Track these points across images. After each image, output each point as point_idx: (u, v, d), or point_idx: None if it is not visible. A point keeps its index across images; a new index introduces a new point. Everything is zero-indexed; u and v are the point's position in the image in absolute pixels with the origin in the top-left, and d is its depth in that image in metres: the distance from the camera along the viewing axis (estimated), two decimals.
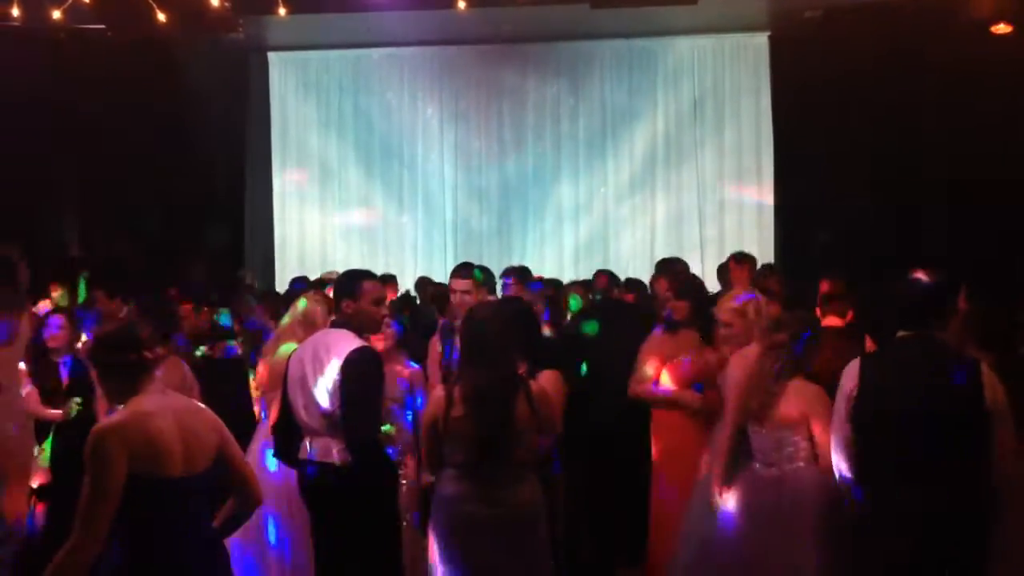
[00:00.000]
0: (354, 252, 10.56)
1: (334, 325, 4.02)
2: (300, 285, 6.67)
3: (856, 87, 8.67)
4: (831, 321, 4.92)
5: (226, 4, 8.25)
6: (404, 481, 4.28)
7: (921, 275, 3.45)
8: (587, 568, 5.06)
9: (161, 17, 8.16)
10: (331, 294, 4.68)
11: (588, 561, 5.09)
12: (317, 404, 3.82)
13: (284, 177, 10.76)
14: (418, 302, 7.80)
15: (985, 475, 3.22)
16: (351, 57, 10.70)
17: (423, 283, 8.31)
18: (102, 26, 8.93)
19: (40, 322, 5.28)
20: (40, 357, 5.08)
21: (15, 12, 7.92)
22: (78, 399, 4.92)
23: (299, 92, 10.76)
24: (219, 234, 10.01)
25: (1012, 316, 4.28)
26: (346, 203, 10.76)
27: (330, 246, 10.73)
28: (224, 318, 5.64)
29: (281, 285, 9.44)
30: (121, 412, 2.81)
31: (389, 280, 7.18)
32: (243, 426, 4.35)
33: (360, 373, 3.73)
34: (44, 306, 6.18)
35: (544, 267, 9.99)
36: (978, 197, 8.04)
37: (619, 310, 5.77)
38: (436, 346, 5.26)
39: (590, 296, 6.75)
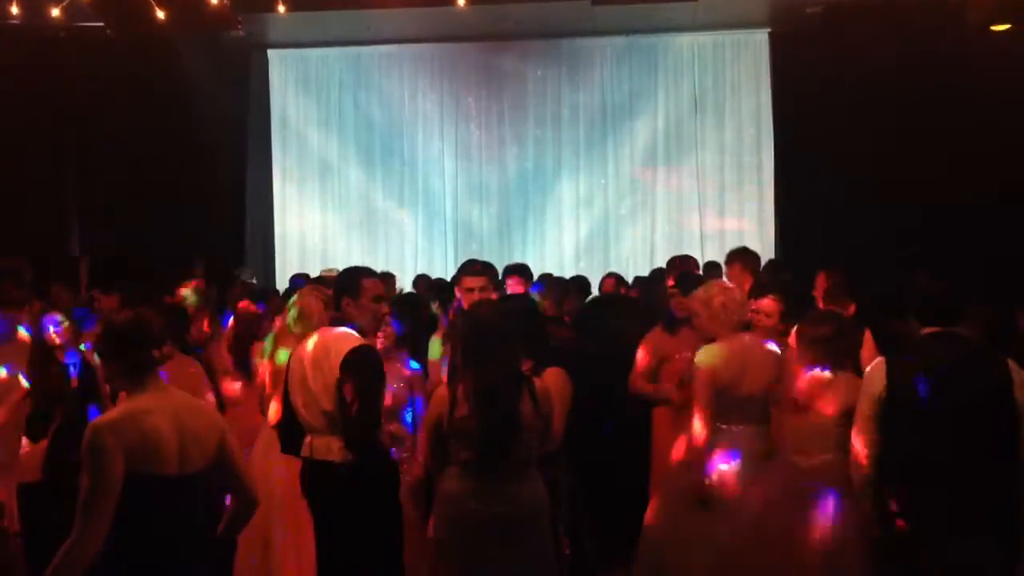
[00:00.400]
0: (354, 249, 10.54)
1: (334, 323, 4.01)
2: (300, 282, 6.66)
3: (857, 83, 8.66)
4: None
5: (225, 1, 8.25)
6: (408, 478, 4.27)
7: (938, 273, 3.45)
8: (589, 566, 5.06)
9: (160, 15, 8.15)
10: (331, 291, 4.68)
11: (590, 559, 5.08)
12: (317, 402, 3.82)
13: (284, 174, 10.75)
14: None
15: (1015, 472, 3.22)
16: (351, 54, 10.68)
17: (422, 281, 8.30)
18: (101, 24, 8.93)
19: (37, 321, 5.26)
20: (45, 357, 5.06)
21: (14, 10, 7.92)
22: None
23: (299, 89, 10.75)
24: (218, 231, 10.00)
25: (1011, 310, 4.28)
26: (346, 200, 10.75)
27: (330, 243, 10.72)
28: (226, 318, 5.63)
29: (281, 282, 9.44)
30: (118, 408, 2.82)
31: (388, 278, 7.17)
32: None
33: (360, 372, 3.72)
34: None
35: (544, 264, 9.98)
36: (979, 195, 8.03)
37: (624, 305, 5.76)
38: (436, 344, 5.25)
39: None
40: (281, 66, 10.73)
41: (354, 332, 3.87)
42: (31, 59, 8.94)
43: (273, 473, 4.41)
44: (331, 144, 10.73)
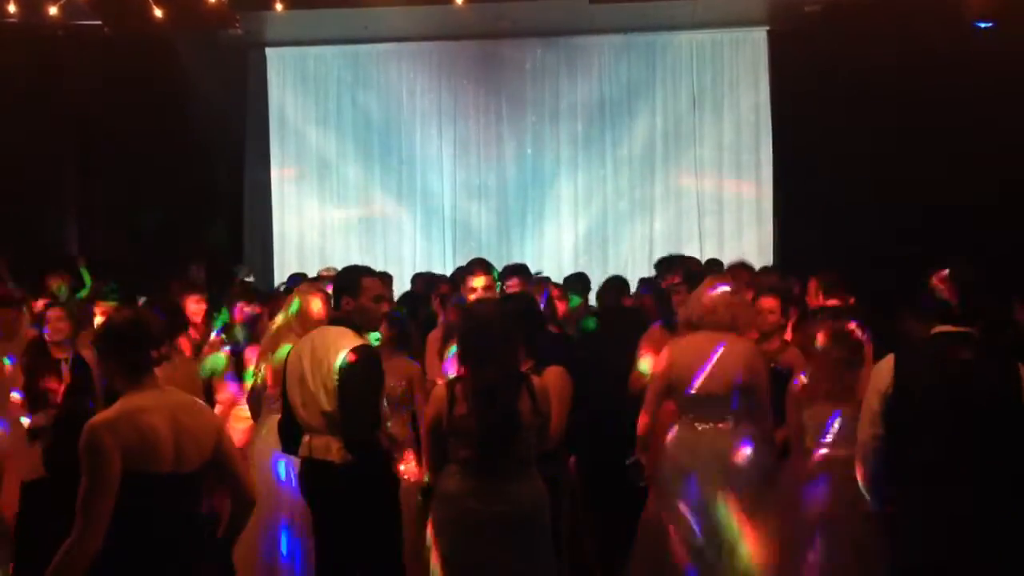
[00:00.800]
0: (353, 248, 10.54)
1: (333, 322, 4.01)
2: (298, 281, 6.66)
3: (855, 81, 8.65)
4: None
5: (223, 0, 8.24)
6: (406, 476, 4.26)
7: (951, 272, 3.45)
8: (588, 564, 5.06)
9: (158, 13, 8.15)
10: (329, 290, 4.67)
11: (590, 558, 5.09)
12: (316, 402, 3.82)
13: (282, 173, 10.74)
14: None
15: (1019, 477, 3.20)
16: (349, 52, 10.67)
17: (420, 279, 8.29)
18: (99, 22, 8.92)
19: (39, 318, 5.26)
20: (41, 354, 5.05)
21: (11, 8, 7.92)
22: None
23: (297, 87, 10.73)
24: (217, 230, 9.99)
25: (1004, 301, 4.28)
26: (344, 199, 10.74)
27: (328, 242, 10.71)
28: (225, 316, 5.60)
29: (279, 281, 9.42)
30: (115, 407, 2.82)
31: (385, 278, 7.15)
32: None
33: (359, 371, 3.72)
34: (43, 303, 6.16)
35: (543, 262, 9.97)
36: (979, 193, 8.02)
37: (620, 313, 5.77)
38: (434, 342, 5.25)
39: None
40: (279, 64, 10.72)
41: (353, 331, 3.87)
42: (29, 57, 8.93)
43: (275, 473, 4.41)
44: (329, 142, 10.72)
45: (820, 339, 4.11)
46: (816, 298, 5.23)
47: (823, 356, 4.08)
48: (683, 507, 4.06)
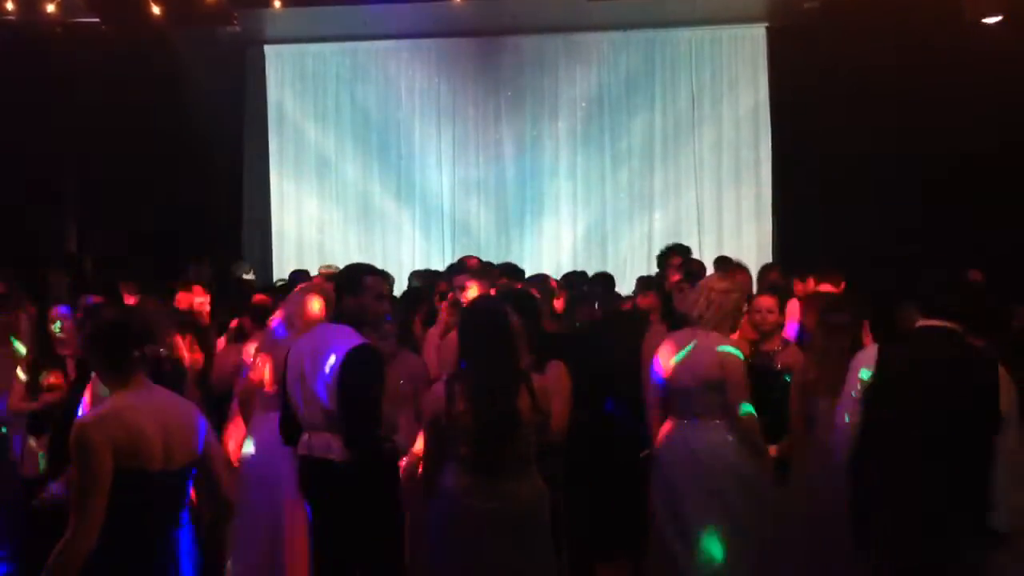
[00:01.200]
0: (351, 245, 10.53)
1: (335, 320, 4.01)
2: (299, 278, 6.66)
3: (854, 78, 8.64)
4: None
5: None
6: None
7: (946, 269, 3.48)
8: (588, 561, 5.07)
9: (156, 10, 8.14)
10: (328, 287, 4.67)
11: (589, 554, 5.10)
12: (317, 400, 3.81)
13: (281, 170, 10.72)
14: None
15: (985, 477, 3.23)
16: (348, 50, 10.64)
17: (416, 276, 8.30)
18: (97, 20, 8.90)
19: (41, 315, 5.26)
20: (46, 350, 5.06)
21: (9, 6, 7.90)
22: None
23: (296, 85, 10.72)
24: (217, 227, 9.98)
25: (1003, 299, 4.29)
26: (343, 196, 10.72)
27: (327, 239, 10.70)
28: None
29: (278, 277, 9.42)
30: (103, 405, 2.84)
31: (385, 277, 7.14)
32: None
33: (360, 370, 3.72)
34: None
35: (542, 260, 10.00)
36: (979, 190, 8.03)
37: (620, 315, 5.79)
38: (434, 339, 5.25)
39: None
40: (277, 62, 10.69)
41: (354, 330, 3.87)
42: (27, 55, 8.91)
43: (278, 471, 4.41)
44: (328, 140, 10.71)
45: (814, 335, 4.13)
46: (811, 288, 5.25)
47: (822, 351, 4.11)
48: (668, 502, 4.10)
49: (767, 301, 4.80)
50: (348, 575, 3.86)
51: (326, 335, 3.91)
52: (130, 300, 6.32)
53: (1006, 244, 7.46)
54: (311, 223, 10.75)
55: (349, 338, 3.79)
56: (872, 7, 8.38)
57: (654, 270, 7.22)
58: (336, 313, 4.03)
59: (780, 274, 6.66)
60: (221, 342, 5.70)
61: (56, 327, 5.05)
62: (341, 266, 4.89)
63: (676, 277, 5.38)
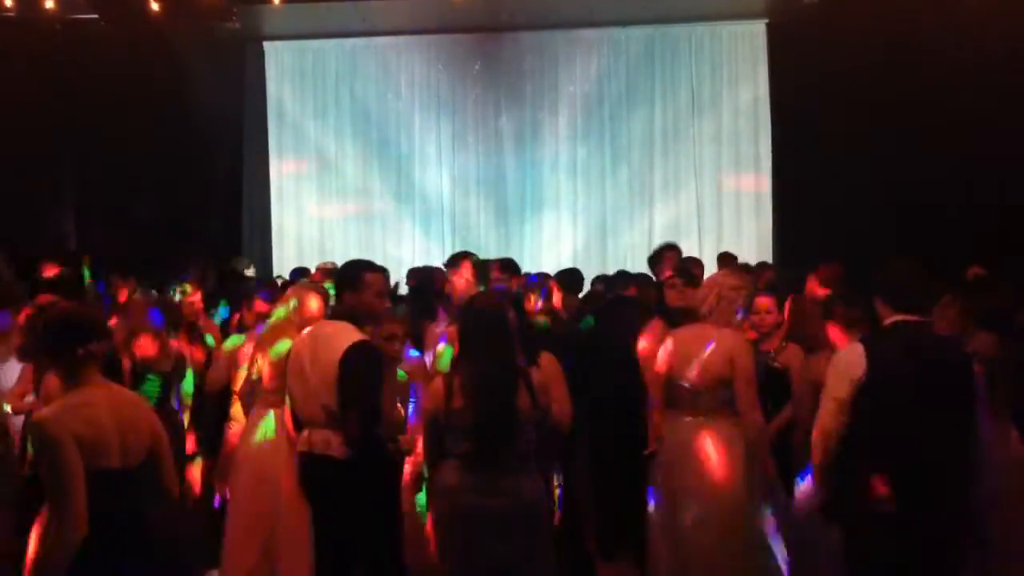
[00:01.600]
0: (351, 242, 10.53)
1: (335, 316, 4.01)
2: (300, 275, 6.66)
3: (855, 74, 8.62)
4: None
5: None
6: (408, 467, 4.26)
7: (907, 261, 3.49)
8: (589, 558, 5.07)
9: (155, 7, 8.14)
10: (327, 284, 4.67)
11: (590, 551, 5.10)
12: (316, 396, 3.82)
13: (281, 167, 10.72)
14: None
15: (975, 464, 3.31)
16: (347, 46, 10.64)
17: (415, 273, 8.29)
18: (96, 16, 8.90)
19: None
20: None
21: (8, 3, 7.90)
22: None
23: (295, 82, 10.71)
24: (216, 224, 9.98)
25: (1011, 294, 4.29)
26: (343, 193, 10.72)
27: (327, 235, 10.70)
28: (223, 310, 5.61)
29: (277, 274, 9.41)
30: (59, 402, 2.81)
31: (385, 273, 7.15)
32: None
33: (359, 367, 3.72)
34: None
35: (542, 257, 10.00)
36: (978, 187, 8.02)
37: (620, 304, 5.76)
38: (435, 337, 5.25)
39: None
40: (277, 58, 10.69)
41: (354, 326, 3.87)
42: (27, 51, 8.91)
43: (277, 468, 4.40)
44: (327, 136, 10.70)
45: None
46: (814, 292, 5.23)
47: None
48: (670, 500, 4.08)
49: (765, 301, 4.79)
50: (348, 571, 3.87)
51: (326, 332, 3.91)
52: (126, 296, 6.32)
53: (1006, 241, 7.45)
54: (311, 219, 10.75)
55: (348, 335, 3.79)
56: (871, 2, 8.37)
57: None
58: (336, 310, 4.03)
59: (776, 273, 6.66)
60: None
61: None
62: (340, 262, 4.88)
63: (668, 272, 5.37)
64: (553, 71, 10.43)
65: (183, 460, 4.92)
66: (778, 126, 9.88)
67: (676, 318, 4.87)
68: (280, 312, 4.69)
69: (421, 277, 7.14)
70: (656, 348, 4.83)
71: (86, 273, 7.81)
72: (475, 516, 3.47)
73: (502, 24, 10.10)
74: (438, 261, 9.44)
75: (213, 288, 6.52)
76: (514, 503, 3.47)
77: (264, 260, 10.32)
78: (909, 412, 3.28)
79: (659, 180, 10.38)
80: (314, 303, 4.56)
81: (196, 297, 5.68)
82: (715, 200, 10.27)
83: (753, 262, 7.86)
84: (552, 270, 7.29)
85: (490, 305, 3.67)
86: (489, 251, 9.28)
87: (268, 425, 4.48)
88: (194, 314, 5.52)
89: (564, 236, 10.46)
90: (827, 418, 3.40)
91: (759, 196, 10.15)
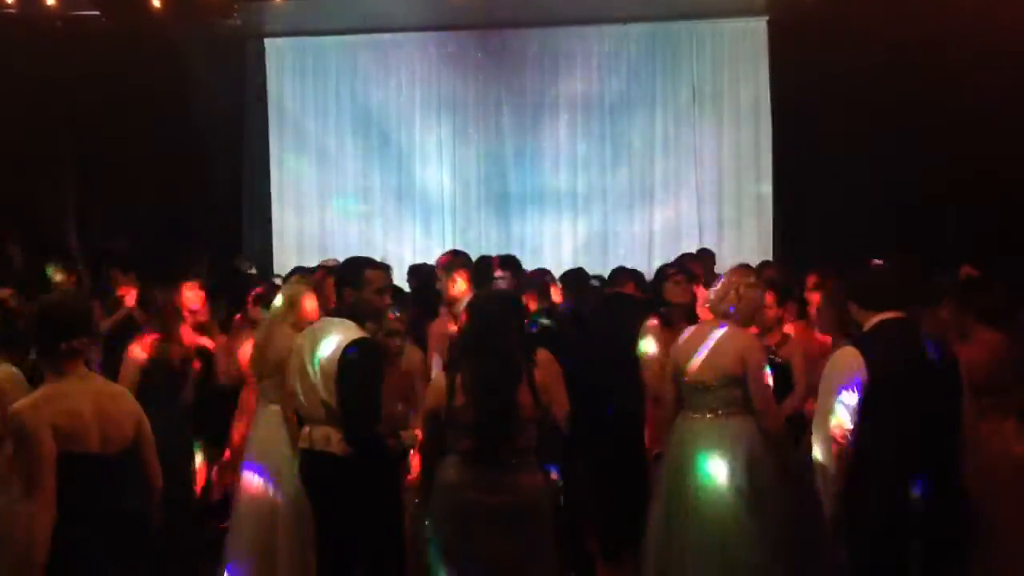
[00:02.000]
0: (352, 239, 10.51)
1: (335, 313, 4.01)
2: (294, 274, 6.64)
3: (856, 71, 8.60)
4: None
5: None
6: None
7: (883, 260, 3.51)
8: (590, 557, 5.08)
9: (156, 3, 8.13)
10: (328, 281, 4.67)
11: (591, 548, 5.11)
12: (316, 393, 3.83)
13: (282, 164, 10.71)
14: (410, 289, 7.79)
15: (965, 456, 3.35)
16: (348, 43, 10.61)
17: (415, 270, 8.29)
18: (97, 13, 8.89)
19: None
20: None
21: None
22: None
23: (296, 79, 10.69)
24: (216, 222, 9.97)
25: (1011, 291, 4.30)
26: (344, 190, 10.71)
27: (328, 233, 10.68)
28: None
29: (277, 272, 9.41)
30: (37, 392, 2.94)
31: (385, 269, 7.14)
32: None
33: (359, 364, 3.73)
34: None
35: (543, 255, 9.97)
36: (980, 185, 8.01)
37: (621, 301, 5.77)
38: (435, 334, 5.25)
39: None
40: (278, 55, 10.67)
41: (354, 324, 3.87)
42: (27, 47, 8.89)
43: (279, 465, 4.42)
44: (328, 133, 10.68)
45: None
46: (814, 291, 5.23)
47: None
48: (678, 498, 4.08)
49: (766, 297, 4.81)
50: (349, 567, 3.88)
51: (326, 329, 3.91)
52: (128, 293, 6.33)
53: (1007, 239, 7.45)
54: (311, 217, 10.73)
55: (349, 332, 3.80)
56: (873, 1, 8.36)
57: (655, 265, 7.19)
58: (336, 307, 4.04)
59: (776, 271, 6.66)
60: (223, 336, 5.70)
61: None
62: (341, 260, 4.88)
63: (672, 270, 5.38)
64: (554, 68, 10.41)
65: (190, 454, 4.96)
66: (779, 124, 9.86)
67: (675, 315, 4.89)
68: (273, 311, 4.71)
69: (422, 275, 7.15)
70: (657, 346, 4.84)
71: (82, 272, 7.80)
72: (475, 512, 3.48)
73: (503, 21, 10.09)
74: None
75: (214, 286, 6.51)
76: (514, 500, 3.49)
77: (265, 258, 10.32)
78: (909, 409, 3.29)
79: (660, 177, 10.36)
80: (308, 302, 4.57)
81: (199, 297, 5.69)
82: (716, 198, 10.26)
83: (754, 262, 7.85)
84: (552, 267, 7.29)
85: (493, 304, 3.68)
86: (490, 248, 9.28)
87: (271, 422, 4.50)
88: (199, 310, 5.54)
89: (565, 234, 10.44)
90: (828, 420, 3.38)
91: (760, 194, 10.13)
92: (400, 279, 7.58)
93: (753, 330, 4.53)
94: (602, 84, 10.38)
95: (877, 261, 3.54)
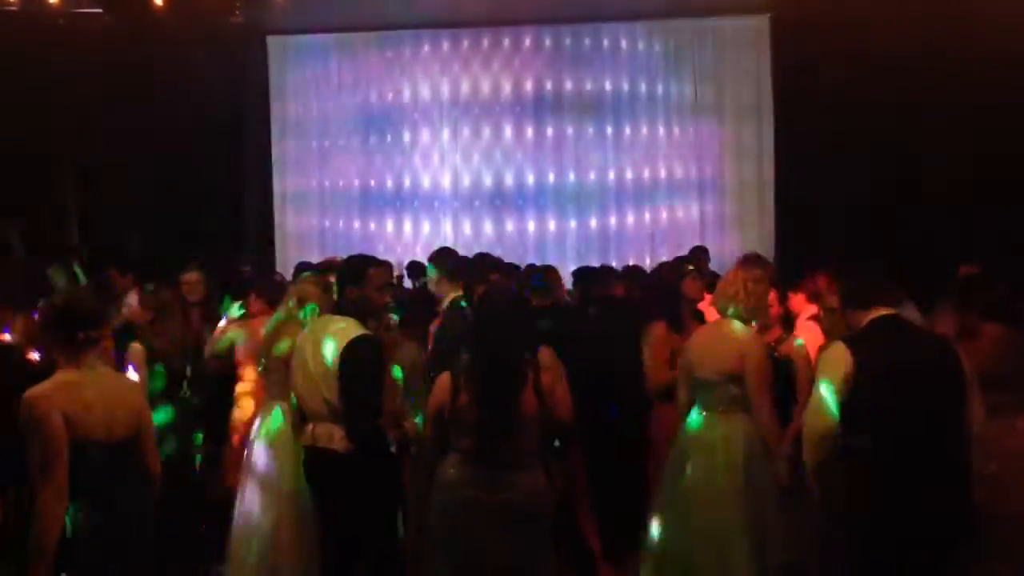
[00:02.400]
0: (354, 238, 10.53)
1: (337, 311, 4.02)
2: (302, 271, 6.64)
3: (858, 68, 8.60)
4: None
5: None
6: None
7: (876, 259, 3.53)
8: (590, 557, 5.08)
9: (158, 1, 8.13)
10: (332, 279, 4.67)
11: (592, 549, 5.11)
12: (319, 390, 3.84)
13: (283, 162, 10.72)
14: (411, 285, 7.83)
15: (963, 449, 3.34)
16: (350, 40, 10.62)
17: (416, 268, 8.32)
18: (99, 10, 8.90)
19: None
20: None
21: None
22: None
23: (297, 76, 10.70)
24: (217, 221, 9.97)
25: (1015, 287, 4.30)
26: (345, 189, 10.71)
27: (329, 232, 10.70)
28: (233, 309, 5.61)
29: (281, 272, 9.41)
30: (49, 380, 3.05)
31: (387, 267, 7.17)
32: None
33: (360, 361, 3.74)
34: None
35: (545, 254, 9.98)
36: (981, 183, 8.01)
37: (618, 303, 5.77)
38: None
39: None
40: (280, 53, 10.68)
41: (356, 321, 3.88)
42: (28, 45, 8.89)
43: (282, 462, 4.42)
44: (330, 131, 10.69)
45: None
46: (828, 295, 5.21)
47: None
48: (679, 495, 4.08)
49: (769, 294, 4.81)
50: (352, 564, 3.89)
51: (328, 326, 3.92)
52: (129, 289, 6.33)
53: (1008, 240, 7.45)
54: (313, 216, 10.74)
55: (350, 329, 3.81)
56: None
57: (656, 263, 7.22)
58: (339, 304, 4.05)
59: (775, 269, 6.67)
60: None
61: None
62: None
63: (687, 266, 5.39)
64: (555, 66, 10.40)
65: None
66: (782, 121, 9.86)
67: (685, 314, 4.90)
68: (280, 312, 4.72)
69: (421, 273, 7.18)
70: (661, 345, 4.83)
71: (79, 273, 7.81)
72: (475, 510, 3.48)
73: (505, 19, 10.09)
74: None
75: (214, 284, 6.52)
76: (514, 498, 3.48)
77: (265, 257, 10.33)
78: (900, 402, 3.29)
79: (661, 175, 10.37)
80: (316, 295, 4.57)
81: (198, 292, 5.70)
82: (718, 195, 10.26)
83: None
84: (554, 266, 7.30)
85: (498, 304, 3.66)
86: (491, 247, 9.30)
87: (274, 419, 4.51)
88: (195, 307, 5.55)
89: (566, 233, 10.45)
90: (818, 418, 3.39)
91: (762, 191, 10.13)
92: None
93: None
94: (604, 81, 10.37)
95: (856, 263, 3.55)
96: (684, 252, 8.00)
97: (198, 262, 6.58)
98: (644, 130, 10.36)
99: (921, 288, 4.62)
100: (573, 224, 10.44)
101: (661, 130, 10.35)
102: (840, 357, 3.34)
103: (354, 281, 3.93)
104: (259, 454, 4.51)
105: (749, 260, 4.79)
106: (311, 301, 4.51)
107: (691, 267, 5.24)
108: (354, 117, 10.63)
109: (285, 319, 4.65)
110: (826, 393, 3.34)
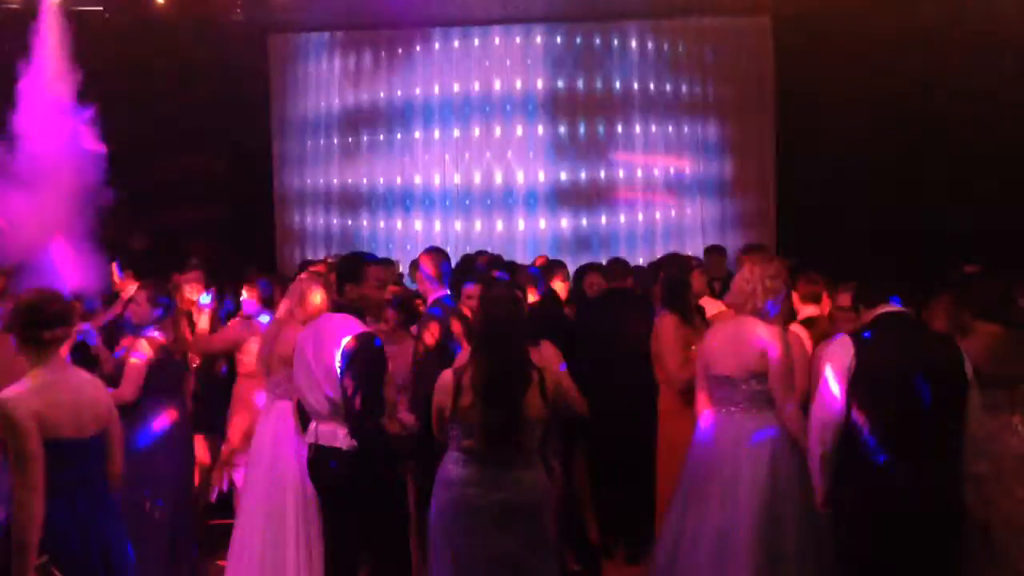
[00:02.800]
0: (356, 237, 10.52)
1: (337, 309, 4.02)
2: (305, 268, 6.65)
3: (860, 69, 8.60)
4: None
5: None
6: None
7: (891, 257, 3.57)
8: (594, 551, 5.09)
9: None
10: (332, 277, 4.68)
11: (594, 545, 5.11)
12: (320, 388, 3.84)
13: (285, 161, 10.71)
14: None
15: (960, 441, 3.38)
16: (351, 39, 10.61)
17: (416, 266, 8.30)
18: (100, 8, 8.89)
19: None
20: None
21: None
22: None
23: (298, 74, 10.69)
24: (220, 218, 9.97)
25: (1009, 287, 4.31)
26: (346, 188, 10.71)
27: (332, 230, 10.70)
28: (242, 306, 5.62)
29: (281, 271, 9.42)
30: (21, 381, 3.10)
31: (388, 265, 7.19)
32: None
33: (361, 359, 3.74)
34: None
35: (545, 251, 9.96)
36: (982, 183, 8.00)
37: (625, 298, 5.77)
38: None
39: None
40: (280, 51, 10.67)
41: (356, 318, 3.88)
42: (29, 43, 8.88)
43: (286, 460, 4.43)
44: (332, 129, 10.68)
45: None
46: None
47: None
48: (700, 492, 4.06)
49: None
50: (356, 562, 3.90)
51: (328, 324, 3.93)
52: (125, 288, 6.34)
53: (1007, 240, 7.44)
54: (314, 214, 10.74)
55: (350, 327, 3.81)
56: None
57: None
58: (338, 302, 4.05)
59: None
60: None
61: None
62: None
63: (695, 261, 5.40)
64: (556, 65, 10.39)
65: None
66: (783, 120, 9.86)
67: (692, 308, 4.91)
68: (281, 311, 4.73)
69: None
70: (676, 339, 4.82)
71: None
72: (476, 508, 3.49)
73: (506, 18, 10.08)
74: None
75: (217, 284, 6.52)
76: (515, 497, 3.49)
77: (266, 256, 10.32)
78: (895, 397, 3.34)
79: (663, 173, 10.37)
80: (317, 296, 4.58)
81: (198, 291, 5.71)
82: (719, 194, 10.26)
83: None
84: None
85: (501, 305, 3.65)
86: (491, 246, 9.30)
87: (278, 417, 4.52)
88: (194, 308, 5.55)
89: (567, 232, 10.44)
90: (823, 411, 3.45)
91: (763, 189, 10.13)
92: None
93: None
94: (605, 80, 10.36)
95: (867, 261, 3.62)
96: (684, 252, 8.00)
97: (198, 262, 6.60)
98: (644, 129, 10.34)
99: (917, 286, 4.63)
100: (574, 224, 10.43)
101: (661, 129, 10.33)
102: (843, 349, 3.43)
103: (353, 279, 3.94)
104: (262, 453, 4.52)
105: (762, 256, 4.81)
106: (312, 299, 4.53)
107: (698, 262, 5.24)
108: (356, 115, 10.62)
109: (286, 318, 4.68)
110: (832, 385, 3.40)
